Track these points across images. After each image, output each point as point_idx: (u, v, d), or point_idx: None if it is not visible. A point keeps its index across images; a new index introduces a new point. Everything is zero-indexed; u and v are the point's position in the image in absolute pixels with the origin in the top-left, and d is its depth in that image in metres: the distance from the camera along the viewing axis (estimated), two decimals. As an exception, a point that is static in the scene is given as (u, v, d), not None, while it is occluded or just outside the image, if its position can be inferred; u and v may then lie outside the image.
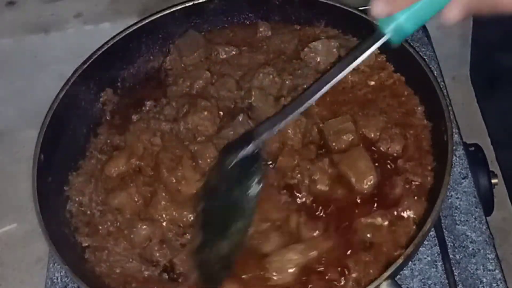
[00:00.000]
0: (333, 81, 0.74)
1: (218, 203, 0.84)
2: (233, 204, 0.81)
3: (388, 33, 0.63)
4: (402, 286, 0.87)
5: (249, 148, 0.80)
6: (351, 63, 0.71)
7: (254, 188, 0.80)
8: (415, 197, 0.87)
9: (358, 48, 0.70)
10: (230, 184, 0.82)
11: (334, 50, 1.03)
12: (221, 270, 0.80)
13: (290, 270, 0.81)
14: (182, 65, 1.06)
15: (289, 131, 0.92)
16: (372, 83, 0.99)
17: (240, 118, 0.95)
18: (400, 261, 0.78)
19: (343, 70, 0.72)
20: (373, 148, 0.92)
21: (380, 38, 0.65)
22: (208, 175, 0.89)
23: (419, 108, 0.96)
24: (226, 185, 0.83)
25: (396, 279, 0.79)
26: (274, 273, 0.81)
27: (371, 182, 0.88)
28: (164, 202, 0.90)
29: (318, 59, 1.03)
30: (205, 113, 0.96)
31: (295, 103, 0.79)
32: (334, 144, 0.92)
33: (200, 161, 0.92)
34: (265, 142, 0.81)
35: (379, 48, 1.00)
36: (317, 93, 0.75)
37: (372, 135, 0.93)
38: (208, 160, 0.91)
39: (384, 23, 0.63)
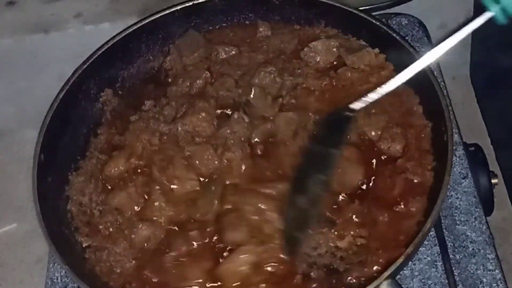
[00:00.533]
0: (432, 57, 0.79)
1: (304, 161, 0.88)
2: (316, 161, 0.86)
3: (493, 11, 0.67)
4: (402, 286, 0.87)
5: (342, 111, 0.85)
6: (454, 37, 0.76)
7: (338, 147, 0.85)
8: (416, 197, 0.87)
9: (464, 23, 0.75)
10: (317, 142, 0.88)
11: (334, 49, 1.03)
12: (302, 227, 0.84)
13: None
14: (182, 65, 1.06)
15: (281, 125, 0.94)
16: (374, 79, 1.00)
17: (236, 115, 0.95)
18: (400, 260, 0.78)
19: (444, 46, 0.77)
20: (375, 148, 0.93)
21: (485, 15, 0.69)
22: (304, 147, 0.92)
23: (419, 108, 0.96)
24: (314, 144, 0.89)
25: (396, 279, 0.79)
26: None
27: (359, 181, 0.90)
28: (158, 202, 0.90)
29: (318, 59, 1.03)
30: (203, 114, 0.96)
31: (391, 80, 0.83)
32: None
33: (197, 162, 0.92)
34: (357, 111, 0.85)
35: (379, 47, 1.01)
36: (414, 68, 0.80)
37: (373, 134, 0.93)
38: (206, 162, 0.92)
39: (490, 2, 0.68)
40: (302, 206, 0.84)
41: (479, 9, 0.82)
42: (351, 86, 0.99)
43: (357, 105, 0.84)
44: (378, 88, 0.83)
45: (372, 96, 0.83)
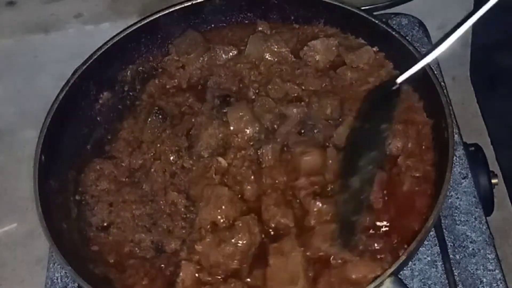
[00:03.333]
0: (477, 14, 0.76)
1: (353, 142, 0.87)
2: (365, 139, 0.85)
3: None
4: (402, 285, 0.87)
5: (387, 85, 0.85)
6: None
7: (387, 123, 0.84)
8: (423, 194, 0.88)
9: None
10: (365, 120, 0.87)
11: (333, 48, 1.03)
12: (355, 211, 0.82)
13: None
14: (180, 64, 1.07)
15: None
16: (372, 79, 1.00)
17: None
18: (403, 257, 0.78)
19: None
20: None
21: None
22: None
23: (419, 105, 0.96)
24: (362, 121, 0.88)
25: (395, 279, 0.79)
26: None
27: None
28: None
29: (317, 58, 1.03)
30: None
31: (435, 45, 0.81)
32: None
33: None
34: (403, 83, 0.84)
35: (378, 45, 1.01)
36: (461, 29, 0.77)
37: None
38: None
39: None
40: (355, 187, 0.82)
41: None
42: (350, 87, 1.00)
43: (401, 78, 0.83)
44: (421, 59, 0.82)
45: (416, 67, 0.82)
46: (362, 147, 0.84)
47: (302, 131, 0.95)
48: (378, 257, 0.83)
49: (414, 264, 0.93)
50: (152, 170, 0.95)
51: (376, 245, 0.84)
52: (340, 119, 0.95)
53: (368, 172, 0.82)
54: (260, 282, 0.82)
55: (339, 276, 0.81)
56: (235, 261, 0.84)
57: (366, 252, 0.83)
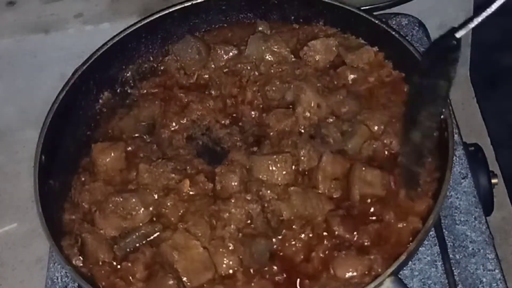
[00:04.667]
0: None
1: (412, 95, 0.89)
2: (424, 95, 0.85)
3: None
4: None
5: (447, 40, 0.84)
6: None
7: (447, 77, 0.83)
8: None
9: None
10: (424, 75, 0.86)
11: (333, 48, 1.03)
12: (418, 162, 0.86)
13: None
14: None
15: None
16: (372, 79, 1.00)
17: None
18: (403, 257, 0.78)
19: None
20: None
21: None
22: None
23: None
24: (421, 77, 0.87)
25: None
26: None
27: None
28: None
29: (317, 58, 1.03)
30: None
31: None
32: None
33: None
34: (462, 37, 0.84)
35: (378, 45, 1.01)
36: None
37: (376, 128, 0.93)
38: None
39: None
40: (416, 140, 0.85)
41: (479, 9, 0.81)
42: (352, 86, 1.00)
43: (460, 33, 0.82)
44: (481, 12, 0.81)
45: (476, 20, 0.81)
46: (421, 102, 0.85)
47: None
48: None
49: (414, 264, 0.93)
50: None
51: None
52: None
53: (427, 127, 0.84)
54: None
55: None
56: None
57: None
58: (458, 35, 0.83)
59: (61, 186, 0.95)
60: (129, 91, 1.07)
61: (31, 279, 1.17)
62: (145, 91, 1.06)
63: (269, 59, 1.03)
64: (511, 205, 1.24)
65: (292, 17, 1.09)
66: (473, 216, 0.98)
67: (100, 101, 1.05)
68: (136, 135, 1.00)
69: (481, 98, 1.37)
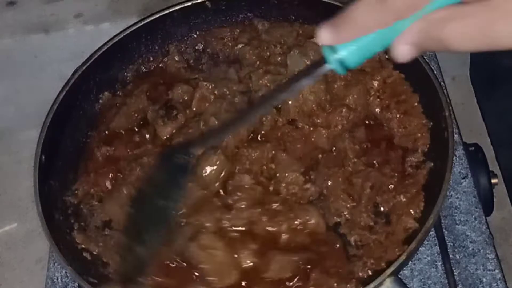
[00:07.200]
0: (268, 103, 0.72)
1: (143, 208, 0.79)
2: (154, 212, 0.77)
3: (331, 63, 0.55)
4: (403, 285, 0.88)
5: (182, 157, 0.75)
6: (289, 88, 0.62)
7: (175, 200, 0.76)
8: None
9: (301, 73, 0.62)
10: (156, 189, 0.78)
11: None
12: (136, 272, 0.78)
13: None
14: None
15: None
16: (376, 83, 1.00)
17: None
18: (403, 257, 0.78)
19: (279, 93, 0.65)
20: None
21: (323, 67, 0.57)
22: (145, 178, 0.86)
23: (419, 106, 0.96)
24: (153, 190, 0.78)
25: (395, 279, 0.79)
26: None
27: None
28: None
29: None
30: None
31: (229, 121, 0.77)
32: None
33: None
34: (196, 156, 0.76)
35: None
36: (251, 114, 0.74)
37: None
38: None
39: (328, 52, 0.55)
40: (139, 253, 0.76)
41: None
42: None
43: (198, 150, 0.75)
44: None
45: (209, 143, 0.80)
46: (149, 218, 0.77)
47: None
48: None
49: (414, 264, 0.93)
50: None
51: None
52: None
53: (150, 247, 0.76)
54: None
55: None
56: None
57: None
58: (193, 150, 0.75)
59: (61, 185, 0.94)
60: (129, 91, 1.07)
61: (31, 279, 1.17)
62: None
63: None
64: (511, 205, 1.24)
65: (292, 17, 1.09)
66: (473, 216, 0.97)
67: (100, 101, 1.05)
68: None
69: (481, 98, 1.37)
